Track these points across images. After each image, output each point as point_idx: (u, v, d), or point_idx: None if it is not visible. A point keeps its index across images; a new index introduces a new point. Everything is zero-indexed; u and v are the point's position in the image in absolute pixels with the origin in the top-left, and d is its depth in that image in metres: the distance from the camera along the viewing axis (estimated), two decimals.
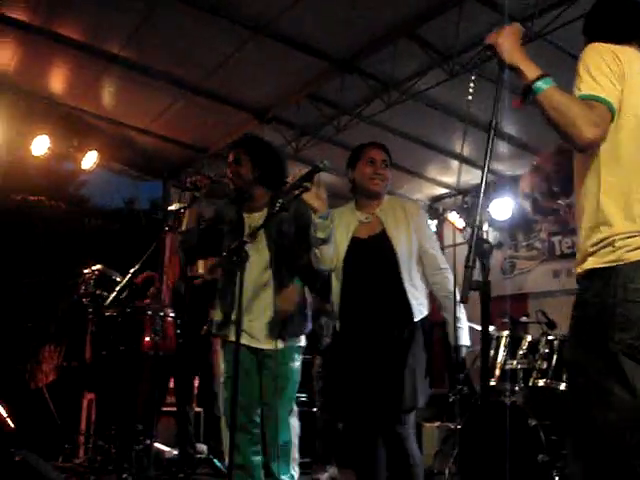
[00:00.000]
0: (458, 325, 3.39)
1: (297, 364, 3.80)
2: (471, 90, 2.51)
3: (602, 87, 2.09)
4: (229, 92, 7.15)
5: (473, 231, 2.05)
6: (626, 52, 2.19)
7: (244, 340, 3.85)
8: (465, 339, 3.48)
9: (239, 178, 3.89)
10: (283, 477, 3.66)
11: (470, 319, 6.06)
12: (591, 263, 2.13)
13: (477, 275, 2.04)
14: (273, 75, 6.73)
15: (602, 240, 2.11)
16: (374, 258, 3.52)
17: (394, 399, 3.31)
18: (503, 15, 5.15)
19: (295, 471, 3.74)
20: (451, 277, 3.51)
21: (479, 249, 2.02)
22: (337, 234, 3.60)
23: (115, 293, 4.14)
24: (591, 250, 2.13)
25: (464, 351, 3.46)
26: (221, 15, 5.82)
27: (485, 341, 2.39)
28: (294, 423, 3.78)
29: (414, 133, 7.43)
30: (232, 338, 3.77)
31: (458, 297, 2.15)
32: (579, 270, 2.19)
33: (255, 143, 4.04)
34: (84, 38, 6.47)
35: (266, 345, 3.76)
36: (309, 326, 3.84)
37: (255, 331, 3.79)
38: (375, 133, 6.96)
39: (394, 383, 3.32)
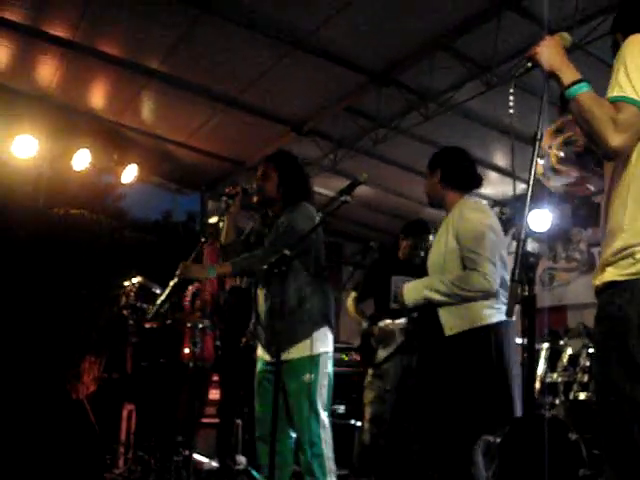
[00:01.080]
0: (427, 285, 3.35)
1: (309, 376, 3.67)
2: (511, 101, 2.50)
3: (634, 86, 1.99)
4: (266, 105, 7.20)
5: (518, 244, 2.02)
6: None
7: (259, 352, 3.90)
8: (406, 295, 3.41)
9: (263, 192, 3.94)
10: None
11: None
12: (611, 275, 2.06)
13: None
14: (310, 88, 6.77)
15: (621, 250, 2.03)
16: (419, 270, 3.51)
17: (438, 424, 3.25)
18: (541, 26, 5.15)
19: None
20: (474, 277, 3.29)
21: (525, 263, 2.00)
22: None
23: (157, 305, 4.18)
24: (611, 260, 2.06)
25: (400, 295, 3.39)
26: (259, 30, 5.88)
27: (530, 354, 2.35)
28: (326, 436, 3.70)
29: (451, 145, 7.37)
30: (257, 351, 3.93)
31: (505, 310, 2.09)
32: (597, 282, 2.10)
33: (284, 159, 4.07)
34: (124, 54, 6.59)
35: (267, 357, 3.79)
36: (313, 332, 3.70)
37: (262, 342, 3.87)
38: (412, 145, 6.99)
39: (432, 405, 3.28)
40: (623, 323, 2.01)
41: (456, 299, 3.26)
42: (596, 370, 2.20)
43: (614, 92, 2.03)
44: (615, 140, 1.97)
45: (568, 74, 2.10)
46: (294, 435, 3.78)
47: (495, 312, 3.33)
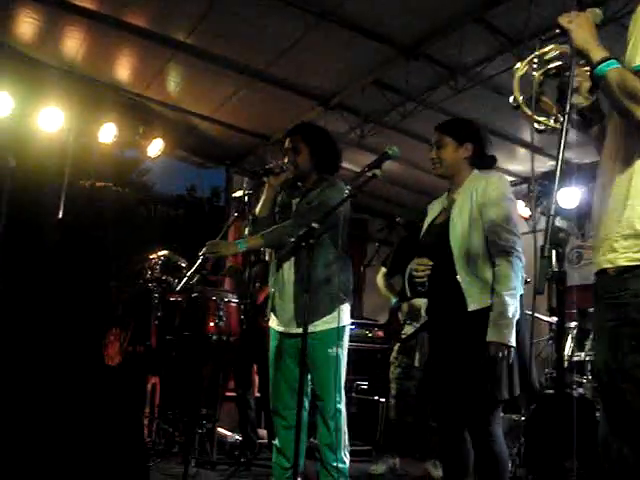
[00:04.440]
0: (497, 320, 3.09)
1: (335, 348, 3.68)
2: (535, 74, 2.43)
3: None
4: (293, 79, 7.13)
5: (548, 220, 1.97)
6: None
7: (273, 324, 3.89)
8: (497, 335, 3.08)
9: (297, 167, 3.90)
10: (333, 464, 3.66)
11: (536, 309, 5.96)
12: (624, 259, 2.04)
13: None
14: (338, 61, 6.68)
15: (635, 235, 2.01)
16: (434, 246, 3.40)
17: (465, 395, 3.18)
18: None
19: (346, 458, 3.72)
20: (514, 262, 3.17)
21: (555, 238, 1.95)
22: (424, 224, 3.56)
23: (186, 278, 4.17)
24: (623, 243, 2.04)
25: (492, 349, 3.06)
26: (286, 1, 5.79)
27: (560, 332, 2.31)
28: (344, 410, 3.74)
29: (480, 120, 7.15)
30: (270, 323, 3.95)
31: (532, 288, 2.04)
32: (608, 265, 2.07)
33: (311, 130, 4.05)
34: (150, 26, 6.54)
35: (292, 329, 3.77)
36: (339, 306, 3.71)
37: (284, 315, 3.84)
38: (440, 120, 6.86)
39: (453, 379, 3.22)
40: (638, 310, 1.99)
41: (516, 295, 3.17)
42: (605, 357, 2.13)
43: (638, 61, 2.03)
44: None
45: (597, 52, 2.08)
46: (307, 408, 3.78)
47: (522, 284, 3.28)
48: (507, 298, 3.10)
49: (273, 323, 3.93)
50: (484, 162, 3.47)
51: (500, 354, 3.06)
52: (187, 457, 4.72)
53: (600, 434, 2.19)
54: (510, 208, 3.29)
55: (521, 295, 3.25)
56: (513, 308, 3.10)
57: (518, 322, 3.17)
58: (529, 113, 2.33)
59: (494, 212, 3.23)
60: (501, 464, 3.19)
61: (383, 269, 6.05)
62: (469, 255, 3.23)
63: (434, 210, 3.58)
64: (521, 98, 2.38)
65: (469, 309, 3.17)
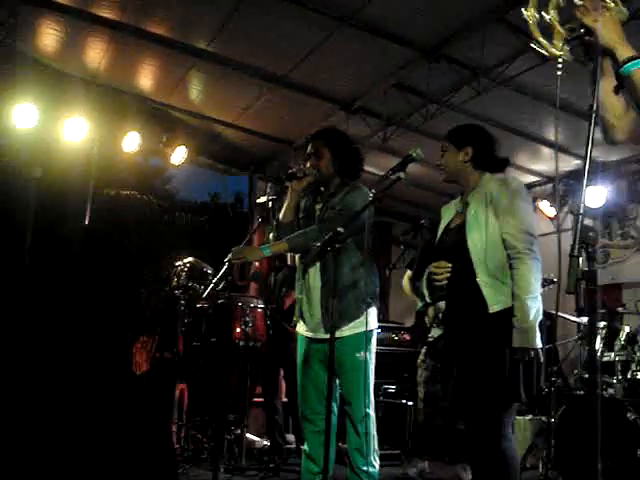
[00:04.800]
0: (520, 325, 3.08)
1: (363, 353, 3.68)
2: (559, 73, 2.40)
3: None
4: (315, 83, 7.14)
5: (577, 219, 1.96)
6: None
7: (301, 330, 3.89)
8: (522, 340, 3.07)
9: (319, 170, 3.91)
10: (362, 468, 3.66)
11: (563, 309, 5.91)
12: None
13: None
14: (359, 65, 6.67)
15: None
16: (452, 250, 3.40)
17: (480, 397, 3.17)
18: None
19: (376, 462, 3.71)
20: (531, 264, 3.16)
21: (584, 237, 1.93)
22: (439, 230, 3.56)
23: (213, 284, 4.19)
24: None
25: (519, 355, 3.05)
26: (306, 6, 5.80)
27: (591, 333, 2.28)
28: (373, 414, 3.73)
29: (503, 120, 7.23)
30: (298, 329, 3.94)
31: (562, 288, 2.02)
32: None
33: (333, 135, 4.05)
34: (172, 34, 6.58)
35: (320, 334, 3.76)
36: (366, 310, 3.69)
37: (312, 320, 3.84)
38: (463, 121, 6.83)
39: (474, 380, 3.19)
40: None
41: (537, 297, 3.15)
42: None
43: None
44: None
45: (623, 50, 2.05)
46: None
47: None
48: (529, 302, 3.10)
49: (301, 329, 3.93)
50: (494, 165, 3.48)
51: (527, 358, 3.06)
52: (216, 463, 4.73)
53: None
54: (525, 209, 3.29)
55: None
56: (535, 311, 3.10)
57: (541, 323, 3.18)
58: (535, 33, 2.31)
59: (509, 214, 3.23)
60: (512, 465, 3.18)
61: (409, 272, 6.03)
62: (487, 257, 3.22)
63: (448, 213, 3.59)
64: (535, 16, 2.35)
65: (490, 311, 3.16)
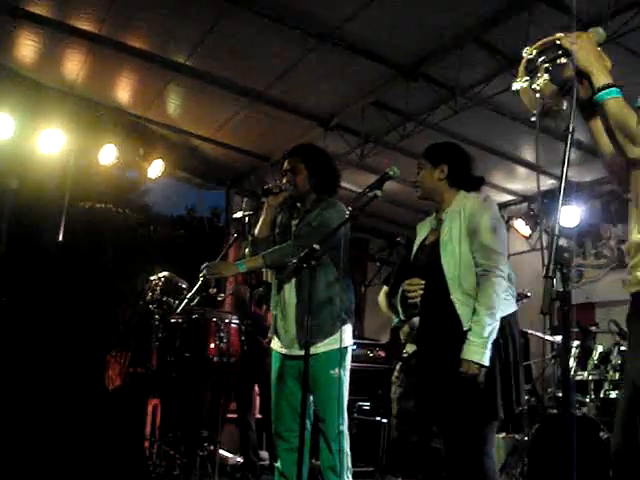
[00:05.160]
0: (472, 339, 3.10)
1: (337, 370, 3.68)
2: (538, 90, 2.43)
3: None
4: (293, 100, 7.17)
5: (552, 240, 1.97)
6: None
7: (275, 346, 3.88)
8: (470, 353, 3.09)
9: (295, 186, 3.91)
10: None
11: (537, 328, 5.94)
12: None
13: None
14: (337, 82, 6.71)
15: None
16: (426, 267, 3.41)
17: (454, 414, 3.18)
18: (573, 19, 5.05)
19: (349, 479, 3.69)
20: (496, 282, 3.18)
21: (559, 258, 1.95)
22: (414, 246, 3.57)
23: (187, 300, 4.17)
24: None
25: (465, 367, 3.07)
26: (286, 24, 5.82)
27: (565, 352, 2.31)
28: (346, 432, 3.71)
29: (480, 139, 7.31)
30: (272, 345, 3.94)
31: (540, 308, 2.03)
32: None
33: (310, 151, 4.06)
34: (151, 48, 6.58)
35: (294, 351, 3.76)
36: (341, 327, 3.68)
37: (286, 337, 3.83)
38: (440, 140, 6.87)
39: (451, 398, 3.19)
40: None
41: (496, 315, 3.17)
42: (635, 366, 2.16)
43: None
44: (632, 152, 2.02)
45: (600, 77, 2.07)
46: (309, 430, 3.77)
47: (508, 303, 3.29)
48: (486, 318, 3.12)
49: (275, 345, 3.91)
50: (469, 183, 3.51)
51: (471, 372, 3.08)
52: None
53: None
54: (496, 228, 3.31)
55: (514, 313, 3.29)
56: (490, 328, 3.12)
57: (505, 342, 3.21)
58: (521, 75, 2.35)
59: (480, 232, 3.26)
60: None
61: (385, 288, 6.04)
62: (461, 275, 3.24)
63: (423, 230, 3.61)
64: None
65: (465, 328, 3.17)
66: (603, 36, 2.21)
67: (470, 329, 3.13)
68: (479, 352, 3.08)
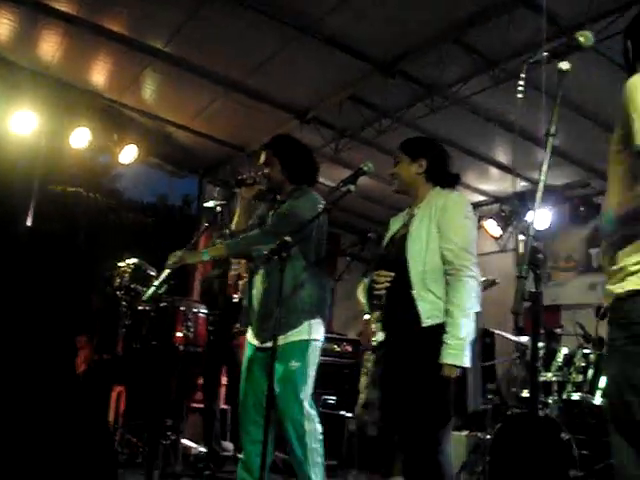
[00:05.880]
0: (450, 342, 3.08)
1: (295, 362, 3.62)
2: (520, 96, 2.45)
3: None
4: (270, 91, 7.14)
5: (527, 241, 1.99)
6: None
7: (249, 336, 3.87)
8: (450, 356, 3.06)
9: (269, 179, 3.90)
10: None
11: (504, 328, 5.99)
12: (634, 284, 2.05)
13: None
14: (315, 75, 6.71)
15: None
16: (394, 261, 3.39)
17: (411, 414, 3.17)
18: (552, 23, 5.09)
19: (316, 475, 3.63)
20: (468, 282, 3.16)
21: (532, 259, 1.96)
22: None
23: (155, 288, 4.14)
24: (633, 269, 2.05)
25: (446, 371, 3.04)
26: (266, 14, 5.80)
27: (534, 353, 2.31)
28: (310, 427, 3.64)
29: (454, 139, 7.34)
30: (247, 336, 3.90)
31: (510, 308, 2.04)
32: (619, 290, 2.09)
33: (283, 143, 4.02)
34: (128, 32, 6.50)
35: (260, 342, 3.74)
36: (306, 320, 3.66)
37: (254, 328, 3.81)
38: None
39: (406, 394, 3.19)
40: None
41: (471, 316, 3.17)
42: (614, 372, 2.17)
43: (638, 140, 2.00)
44: None
45: None
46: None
47: (475, 303, 3.25)
48: (462, 319, 3.10)
49: (249, 335, 3.89)
50: (445, 180, 3.48)
51: (453, 375, 3.06)
52: (150, 468, 4.67)
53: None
54: (467, 227, 3.29)
55: (478, 313, 3.24)
56: (467, 329, 3.10)
57: (476, 340, 3.19)
58: None
59: (451, 230, 3.24)
60: (446, 477, 3.17)
61: (365, 281, 6.04)
62: (425, 270, 3.21)
63: (395, 224, 3.57)
64: None
65: (423, 325, 3.15)
66: (591, 40, 2.21)
67: (446, 332, 3.09)
68: (458, 355, 3.06)
